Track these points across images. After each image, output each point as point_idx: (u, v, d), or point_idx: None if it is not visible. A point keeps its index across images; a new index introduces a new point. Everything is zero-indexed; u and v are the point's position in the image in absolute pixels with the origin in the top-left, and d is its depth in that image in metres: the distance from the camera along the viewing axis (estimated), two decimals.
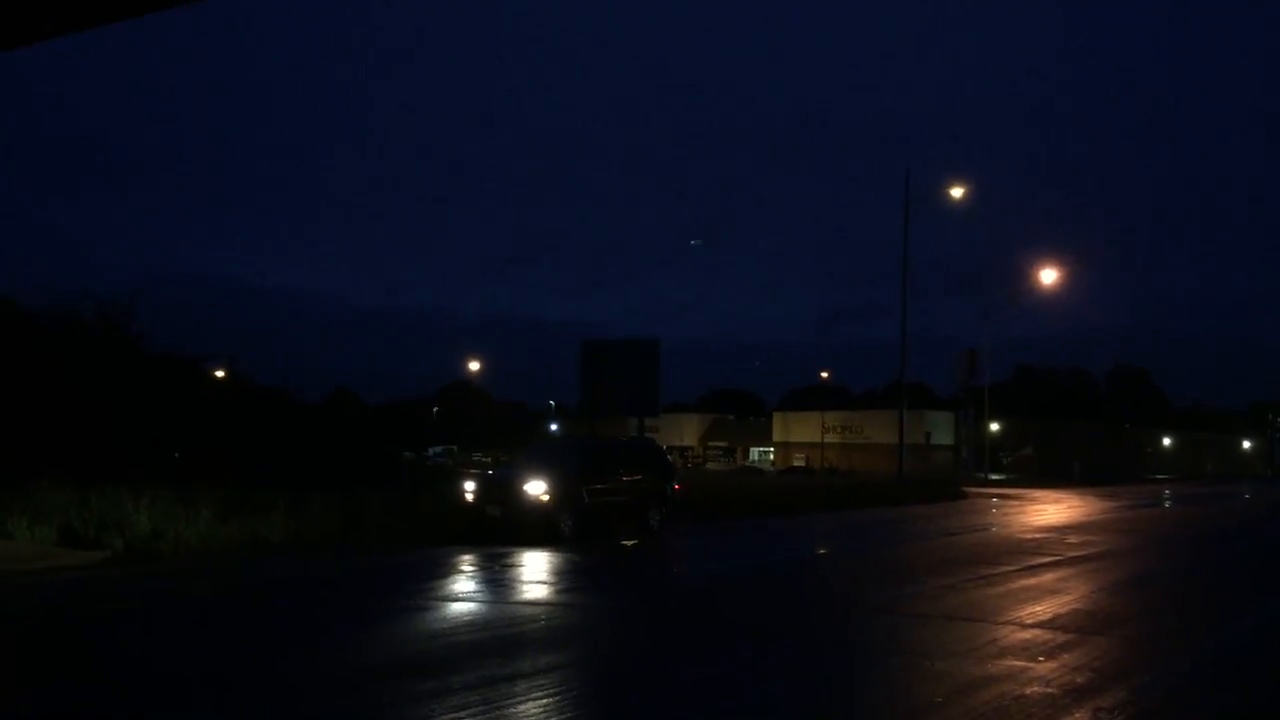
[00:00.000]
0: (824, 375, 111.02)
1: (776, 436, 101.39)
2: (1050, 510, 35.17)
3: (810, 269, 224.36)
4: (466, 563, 16.19)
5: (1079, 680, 8.35)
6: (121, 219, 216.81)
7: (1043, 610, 12.02)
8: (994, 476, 67.32)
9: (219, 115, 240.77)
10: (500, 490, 19.86)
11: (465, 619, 11.37)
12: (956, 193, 42.94)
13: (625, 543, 20.09)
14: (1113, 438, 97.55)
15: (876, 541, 22.56)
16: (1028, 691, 7.93)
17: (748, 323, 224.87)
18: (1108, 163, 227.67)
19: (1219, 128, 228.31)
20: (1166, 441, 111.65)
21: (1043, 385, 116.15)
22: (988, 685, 8.09)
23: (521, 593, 13.52)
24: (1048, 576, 15.52)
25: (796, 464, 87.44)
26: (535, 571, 15.42)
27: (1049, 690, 7.98)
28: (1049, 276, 52.76)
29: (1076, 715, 7.30)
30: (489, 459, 75.17)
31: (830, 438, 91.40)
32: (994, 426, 77.62)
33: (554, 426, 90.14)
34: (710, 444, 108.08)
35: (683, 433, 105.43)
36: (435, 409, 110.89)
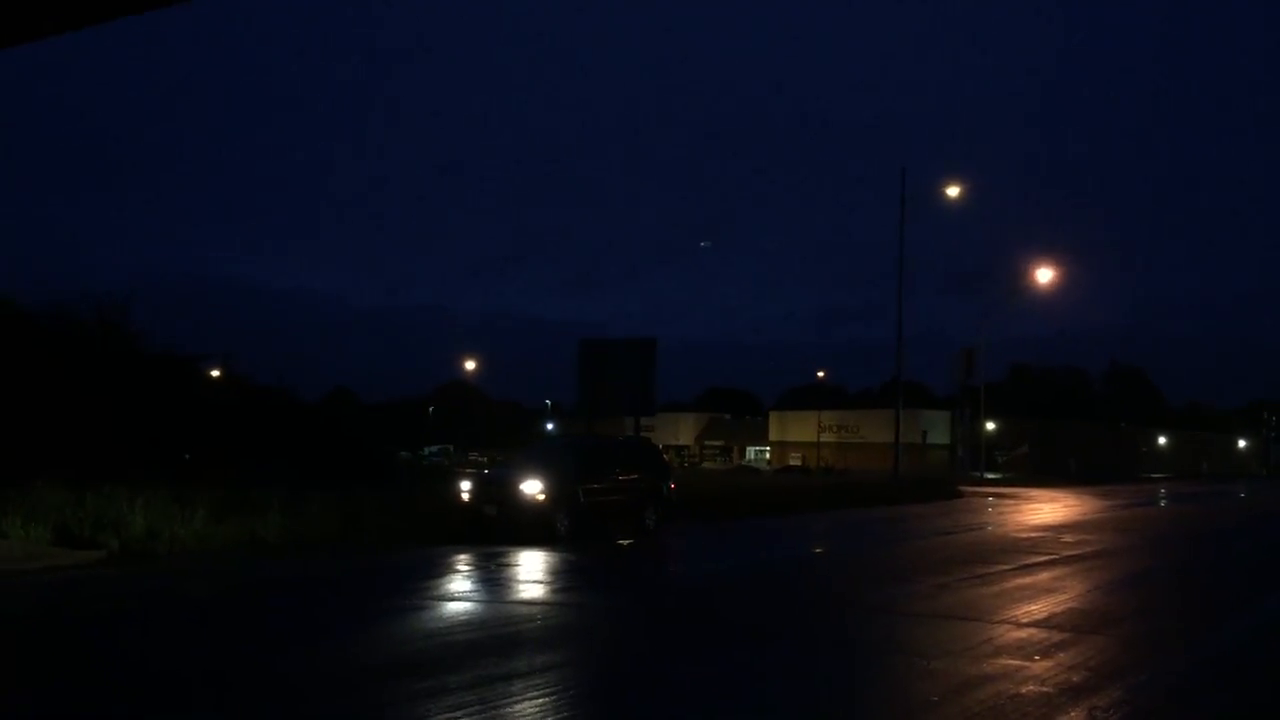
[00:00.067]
0: (820, 375, 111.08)
1: (773, 436, 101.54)
2: (1046, 509, 35.20)
3: (808, 269, 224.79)
4: (463, 562, 16.19)
5: (1075, 679, 8.36)
6: (121, 218, 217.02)
7: (1038, 609, 12.04)
8: (990, 476, 67.39)
9: (219, 115, 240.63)
10: (497, 490, 19.85)
11: (462, 619, 11.37)
12: (953, 192, 42.97)
13: (621, 542, 20.09)
14: (1109, 437, 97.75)
15: (873, 541, 22.58)
16: (1023, 690, 7.94)
17: (745, 322, 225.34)
18: (1106, 163, 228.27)
19: (1217, 128, 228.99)
20: (1162, 441, 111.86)
21: (1039, 385, 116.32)
22: (983, 684, 8.11)
23: (518, 592, 13.53)
24: (1043, 575, 15.54)
25: (793, 463, 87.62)
26: (531, 571, 15.42)
27: (1044, 689, 7.99)
28: (1046, 276, 52.82)
29: (1072, 714, 7.31)
30: (485, 458, 75.13)
31: (826, 437, 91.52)
32: (990, 426, 77.73)
33: (550, 426, 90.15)
34: (707, 443, 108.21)
35: (679, 432, 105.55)
36: (432, 408, 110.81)
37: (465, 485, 20.56)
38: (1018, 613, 11.75)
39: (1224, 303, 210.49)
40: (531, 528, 19.01)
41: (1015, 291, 58.80)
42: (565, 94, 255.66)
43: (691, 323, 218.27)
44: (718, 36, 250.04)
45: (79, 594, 12.57)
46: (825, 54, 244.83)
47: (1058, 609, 12.13)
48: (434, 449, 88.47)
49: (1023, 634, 10.41)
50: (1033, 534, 23.76)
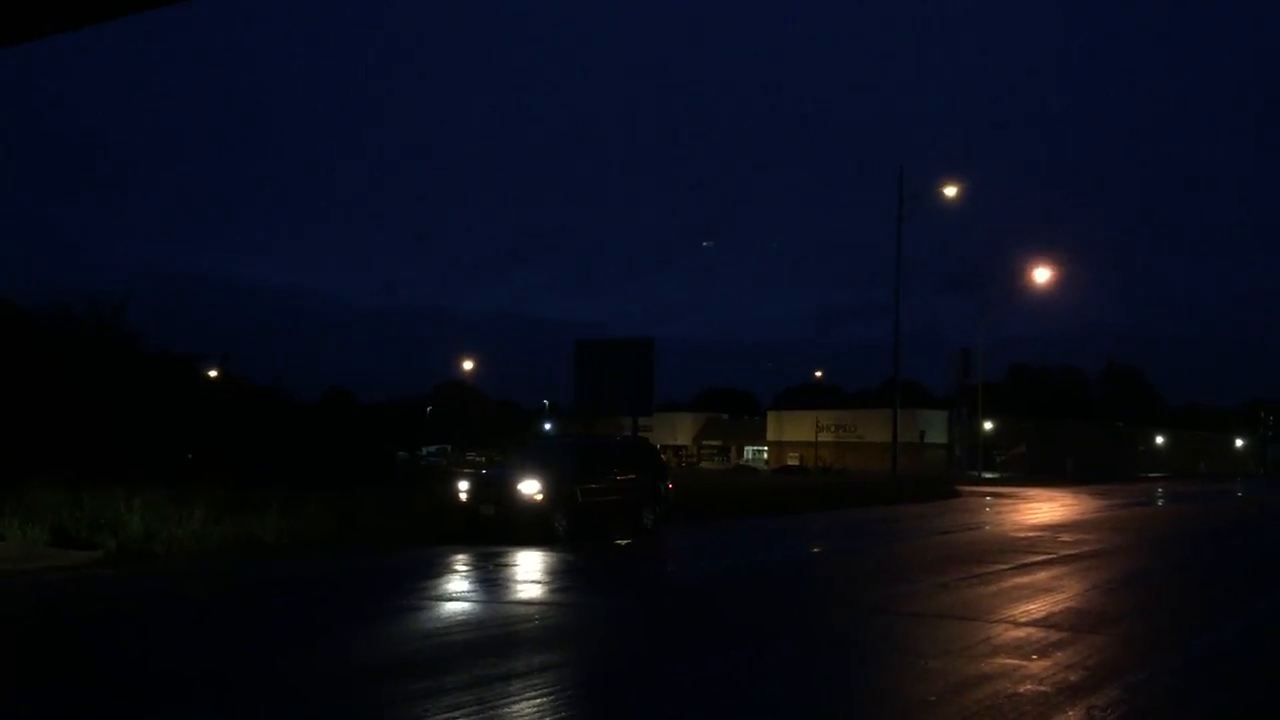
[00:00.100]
0: (818, 374, 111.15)
1: (771, 435, 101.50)
2: (1043, 509, 35.23)
3: (806, 269, 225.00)
4: (460, 562, 16.18)
5: (1072, 678, 8.36)
6: (120, 218, 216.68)
7: (1036, 609, 12.04)
8: (987, 475, 67.41)
9: (219, 115, 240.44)
10: (494, 490, 19.84)
11: (460, 619, 11.36)
12: (950, 191, 42.94)
13: (619, 542, 20.09)
14: (1106, 437, 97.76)
15: (871, 540, 22.59)
16: (1021, 690, 7.94)
17: (743, 322, 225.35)
18: (1104, 163, 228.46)
19: (1214, 128, 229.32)
20: (1159, 440, 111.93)
21: (1037, 384, 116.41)
22: (981, 684, 8.10)
23: (516, 592, 13.52)
24: (1041, 575, 15.55)
25: (790, 463, 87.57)
26: (529, 571, 15.41)
27: (1042, 688, 7.99)
28: (1043, 276, 52.87)
29: (1069, 713, 7.31)
30: (483, 458, 75.10)
31: (824, 437, 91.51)
32: (988, 425, 77.76)
33: (548, 426, 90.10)
34: (704, 443, 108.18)
35: (677, 432, 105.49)
36: (429, 408, 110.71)
37: (463, 485, 20.55)
38: (1015, 612, 11.75)
39: (1221, 302, 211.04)
40: (529, 528, 19.00)
41: (1013, 291, 58.90)
42: (565, 94, 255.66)
43: (689, 322, 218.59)
44: (718, 36, 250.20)
45: (76, 595, 12.56)
46: (825, 54, 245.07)
47: (1055, 608, 12.13)
48: (431, 449, 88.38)
49: (1020, 633, 10.41)
50: (1030, 533, 23.77)
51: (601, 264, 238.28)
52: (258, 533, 17.26)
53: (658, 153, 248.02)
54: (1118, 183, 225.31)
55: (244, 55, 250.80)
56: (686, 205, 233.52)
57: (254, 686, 8.07)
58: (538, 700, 7.48)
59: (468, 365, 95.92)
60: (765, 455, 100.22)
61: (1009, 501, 40.00)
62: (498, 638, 10.15)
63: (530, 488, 19.23)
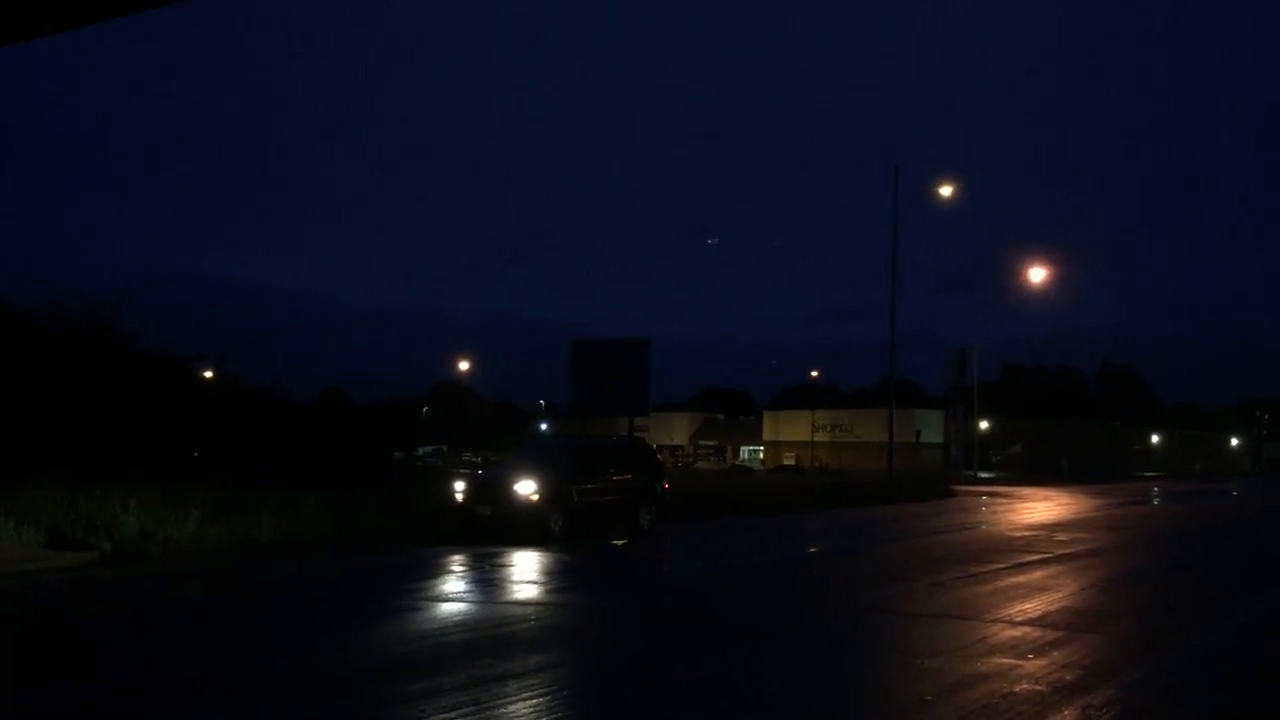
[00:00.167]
0: (814, 374, 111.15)
1: (767, 435, 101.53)
2: (1039, 508, 35.27)
3: (805, 269, 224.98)
4: (457, 563, 16.17)
5: (1068, 678, 8.37)
6: (119, 218, 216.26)
7: (1032, 608, 12.06)
8: (984, 475, 67.49)
9: (217, 115, 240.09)
10: (490, 490, 19.84)
11: (456, 619, 11.35)
12: (946, 191, 42.99)
13: (615, 542, 20.09)
14: (1102, 436, 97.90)
15: (867, 540, 22.60)
16: (1017, 689, 7.95)
17: (740, 322, 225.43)
18: (1101, 163, 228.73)
19: (1210, 128, 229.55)
20: (1155, 439, 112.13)
21: (1033, 384, 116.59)
22: (977, 683, 8.11)
23: (512, 593, 13.51)
24: (1037, 574, 15.57)
25: (787, 463, 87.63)
26: (525, 571, 15.41)
27: (1038, 688, 8.00)
28: (1039, 275, 52.94)
29: (1065, 713, 7.32)
30: (479, 459, 75.07)
31: (820, 436, 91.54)
32: (984, 425, 77.86)
33: (544, 426, 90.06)
34: (701, 443, 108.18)
35: (673, 432, 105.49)
36: (425, 409, 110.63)
37: (459, 485, 20.54)
38: (1011, 611, 11.77)
39: (1217, 302, 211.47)
40: (525, 528, 19.00)
41: (1009, 291, 58.98)
42: (565, 94, 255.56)
43: (687, 322, 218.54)
44: (718, 36, 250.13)
45: (72, 596, 12.54)
46: (825, 54, 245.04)
47: (1051, 608, 12.15)
48: (428, 449, 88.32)
49: (1017, 633, 10.42)
50: (1026, 533, 23.80)
51: (601, 264, 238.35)
52: (254, 533, 17.24)
53: (657, 153, 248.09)
54: (1115, 182, 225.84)
55: (244, 55, 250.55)
56: (685, 205, 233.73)
57: (251, 687, 8.06)
58: (534, 700, 7.48)
59: (464, 365, 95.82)
60: (761, 455, 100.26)
61: (1005, 501, 40.05)
62: (494, 638, 10.15)
63: (526, 488, 19.23)
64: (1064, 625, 10.92)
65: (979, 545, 20.40)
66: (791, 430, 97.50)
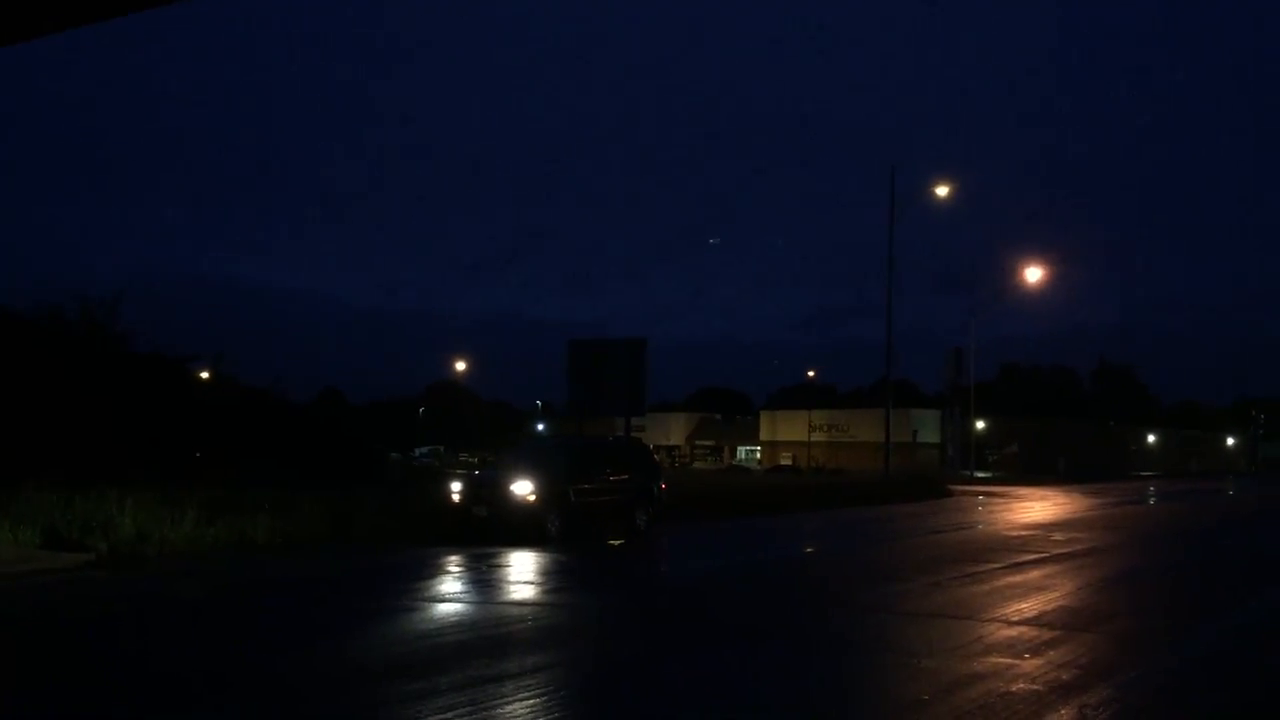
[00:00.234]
0: (811, 374, 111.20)
1: (763, 435, 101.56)
2: (1036, 508, 35.31)
3: (803, 269, 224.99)
4: (453, 563, 16.16)
5: (1064, 677, 8.38)
6: (117, 218, 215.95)
7: (1028, 607, 12.07)
8: (980, 474, 67.53)
9: (216, 114, 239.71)
10: (487, 490, 19.82)
11: (453, 619, 11.35)
12: (942, 191, 43.06)
13: (612, 542, 20.09)
14: (1098, 436, 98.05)
15: (864, 540, 22.61)
16: (1013, 689, 7.96)
17: (738, 322, 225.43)
18: (1098, 163, 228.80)
19: (1208, 128, 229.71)
20: (1151, 439, 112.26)
21: (1029, 384, 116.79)
22: (974, 683, 8.12)
23: (509, 593, 13.51)
24: (1033, 574, 15.58)
25: (783, 463, 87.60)
26: (522, 572, 15.40)
27: (1034, 687, 8.01)
28: (1035, 275, 53.00)
29: (1062, 712, 7.33)
30: (476, 459, 75.01)
31: (817, 436, 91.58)
32: (980, 425, 77.92)
33: (541, 426, 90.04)
34: (697, 443, 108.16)
35: (669, 432, 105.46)
36: (421, 409, 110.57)
37: (455, 486, 20.52)
38: (1008, 611, 11.78)
39: (1213, 302, 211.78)
40: (522, 528, 18.99)
41: (1004, 291, 59.04)
42: (565, 94, 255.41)
43: (685, 322, 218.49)
44: (718, 36, 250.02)
45: (69, 597, 12.52)
46: (825, 54, 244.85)
47: (1048, 607, 12.16)
48: (424, 450, 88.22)
49: (1013, 632, 10.43)
50: (1023, 532, 23.83)
51: (599, 264, 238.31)
52: (250, 533, 17.23)
53: (657, 153, 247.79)
54: (1112, 183, 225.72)
55: (244, 55, 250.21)
56: (685, 205, 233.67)
57: (248, 687, 8.06)
58: (531, 701, 7.47)
59: (461, 366, 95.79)
60: (758, 455, 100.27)
61: (1001, 501, 40.08)
62: (491, 638, 10.15)
63: (523, 488, 19.22)
64: (1060, 625, 10.94)
65: (976, 545, 20.42)
66: (788, 430, 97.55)
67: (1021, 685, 8.07)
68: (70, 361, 24.93)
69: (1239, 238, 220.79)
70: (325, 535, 18.29)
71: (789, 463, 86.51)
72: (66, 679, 8.24)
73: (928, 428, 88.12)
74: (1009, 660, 9.01)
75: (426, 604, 12.39)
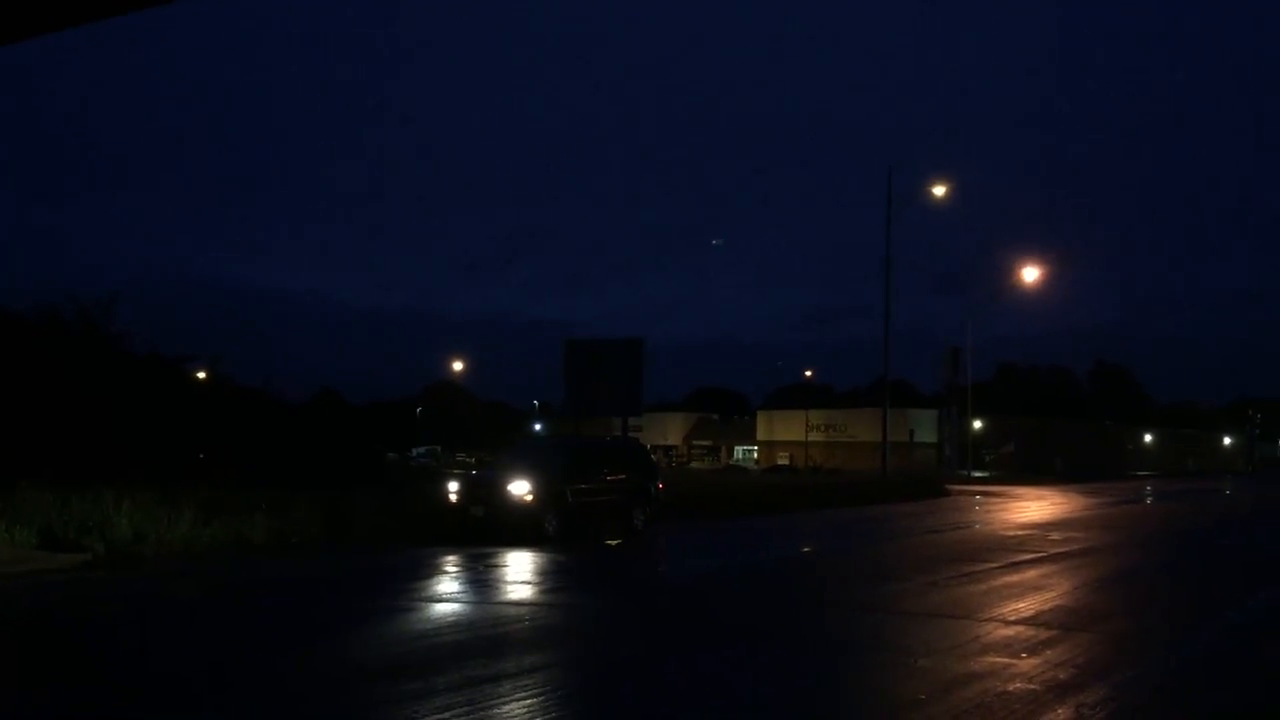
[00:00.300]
0: (808, 374, 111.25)
1: (761, 435, 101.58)
2: (1032, 507, 35.33)
3: (801, 268, 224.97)
4: (450, 563, 16.16)
5: (1061, 677, 8.38)
6: (116, 218, 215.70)
7: (1025, 607, 12.08)
8: (977, 474, 67.58)
9: (214, 114, 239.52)
10: (484, 490, 19.82)
11: (450, 620, 11.34)
12: (938, 191, 43.08)
13: (610, 542, 20.08)
14: (1095, 435, 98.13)
15: (861, 540, 22.62)
16: (1010, 688, 7.96)
17: (736, 322, 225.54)
18: (1096, 162, 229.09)
19: (1204, 128, 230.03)
20: (1148, 438, 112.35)
21: (1025, 384, 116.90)
22: (971, 682, 8.12)
23: (506, 593, 13.50)
24: (1030, 573, 15.59)
25: (781, 463, 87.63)
26: (519, 572, 15.40)
27: (1031, 687, 8.01)
28: (1032, 275, 53.02)
29: (1059, 711, 7.33)
30: (473, 459, 74.99)
31: (814, 436, 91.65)
32: (977, 424, 77.98)
33: (538, 426, 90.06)
34: (695, 443, 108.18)
35: (667, 432, 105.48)
36: (419, 409, 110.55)
37: (452, 486, 20.51)
38: (1005, 610, 11.78)
39: (1210, 302, 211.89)
40: (519, 528, 18.99)
41: (1001, 291, 59.07)
42: (565, 94, 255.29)
43: (682, 322, 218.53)
44: (718, 36, 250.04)
45: (65, 598, 12.50)
46: (825, 54, 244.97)
47: (1045, 606, 12.17)
48: (421, 450, 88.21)
49: (1010, 632, 10.44)
50: (1020, 532, 23.84)
51: (599, 264, 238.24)
52: (247, 534, 17.22)
53: (657, 153, 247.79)
54: (1111, 182, 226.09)
55: (244, 55, 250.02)
56: (683, 205, 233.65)
57: (245, 687, 8.05)
58: (528, 701, 7.47)
59: (458, 366, 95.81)
60: (755, 455, 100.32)
61: (998, 500, 40.11)
62: (488, 638, 10.14)
63: (520, 488, 19.21)
64: (1057, 624, 10.94)
65: (973, 544, 20.43)
66: (786, 430, 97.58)
67: (1018, 685, 8.07)
68: (67, 361, 24.90)
69: (1237, 238, 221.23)
70: (322, 535, 18.29)
71: (786, 462, 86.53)
72: (64, 680, 8.22)
73: (925, 427, 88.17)
74: (1006, 660, 9.02)
75: (424, 604, 12.39)
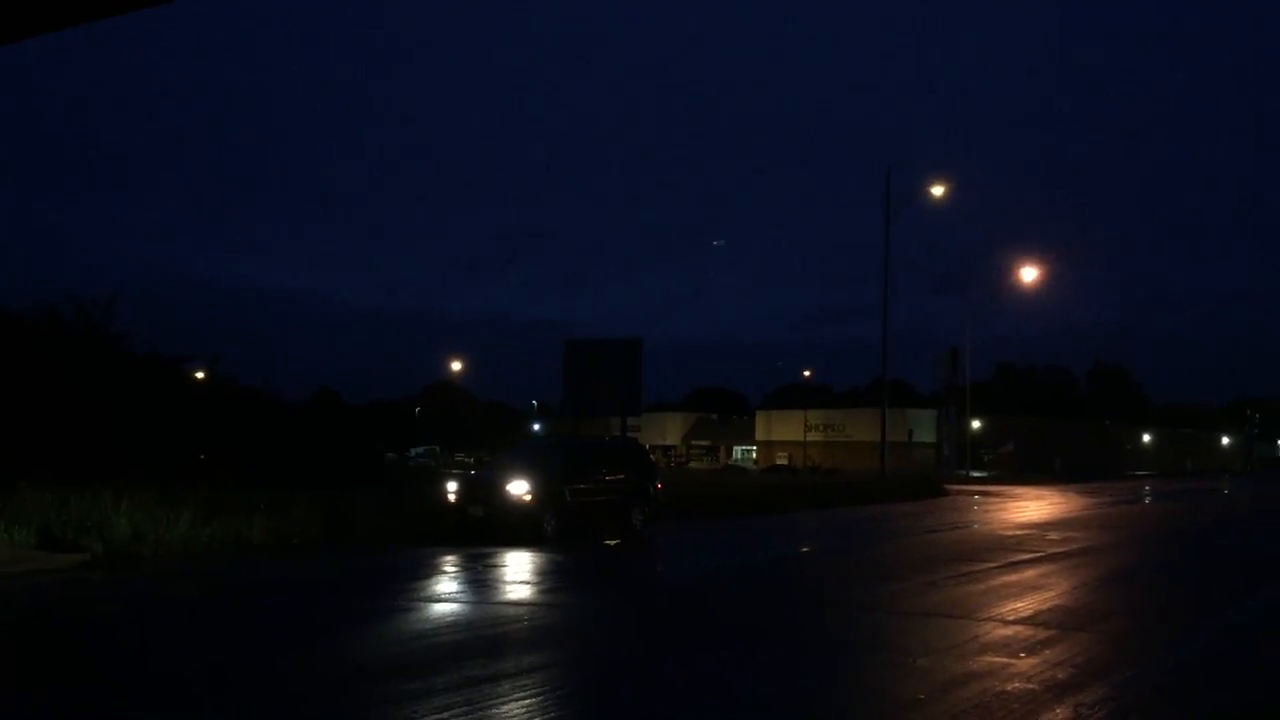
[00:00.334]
0: (806, 374, 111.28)
1: (759, 435, 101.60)
2: (1031, 507, 35.34)
3: (801, 268, 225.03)
4: (449, 563, 16.15)
5: (1060, 676, 8.39)
6: (115, 218, 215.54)
7: (1024, 607, 12.08)
8: (975, 474, 67.60)
9: (212, 114, 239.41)
10: (483, 490, 19.81)
11: (449, 619, 11.34)
12: (938, 191, 43.10)
13: (608, 542, 20.08)
14: (1093, 435, 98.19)
15: (860, 539, 22.63)
16: (1009, 688, 7.96)
17: (735, 322, 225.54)
18: (1095, 162, 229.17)
19: (1202, 128, 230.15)
20: (1146, 438, 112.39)
21: (1024, 384, 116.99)
22: (969, 682, 8.13)
23: (505, 593, 13.50)
24: (1029, 573, 15.60)
25: (779, 462, 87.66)
26: (518, 571, 15.40)
27: (1030, 686, 8.02)
28: (1031, 275, 53.06)
29: (1057, 711, 7.34)
30: (471, 459, 74.97)
31: (813, 436, 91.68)
32: (976, 424, 77.98)
33: (537, 426, 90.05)
34: (693, 443, 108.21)
35: (666, 432, 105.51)
36: (418, 409, 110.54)
37: (451, 486, 20.50)
38: (1004, 610, 11.79)
39: (1209, 302, 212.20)
40: (518, 528, 18.98)
41: (1000, 291, 59.10)
42: (565, 94, 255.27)
43: (681, 322, 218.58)
44: (718, 36, 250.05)
45: (64, 598, 12.49)
46: (825, 54, 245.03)
47: (1043, 606, 12.17)
48: (419, 450, 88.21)
49: (1009, 631, 10.44)
50: (1018, 532, 23.85)
51: (598, 264, 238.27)
52: (246, 534, 17.20)
53: (657, 153, 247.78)
54: (1110, 182, 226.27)
55: (243, 55, 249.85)
56: (683, 205, 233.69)
57: (243, 687, 8.05)
58: (527, 701, 7.47)
59: (457, 366, 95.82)
60: (754, 455, 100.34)
61: (997, 500, 40.12)
62: (487, 638, 10.14)
63: (519, 488, 19.21)
64: (1056, 624, 10.95)
65: (971, 544, 20.44)
66: (784, 430, 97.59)
67: (1017, 684, 8.07)
68: (66, 361, 24.89)
69: (1236, 238, 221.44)
70: (322, 535, 18.28)
71: (785, 462, 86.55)
72: (63, 680, 8.22)
73: (924, 427, 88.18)
74: (1005, 659, 9.02)
75: (423, 604, 12.39)
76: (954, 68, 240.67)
